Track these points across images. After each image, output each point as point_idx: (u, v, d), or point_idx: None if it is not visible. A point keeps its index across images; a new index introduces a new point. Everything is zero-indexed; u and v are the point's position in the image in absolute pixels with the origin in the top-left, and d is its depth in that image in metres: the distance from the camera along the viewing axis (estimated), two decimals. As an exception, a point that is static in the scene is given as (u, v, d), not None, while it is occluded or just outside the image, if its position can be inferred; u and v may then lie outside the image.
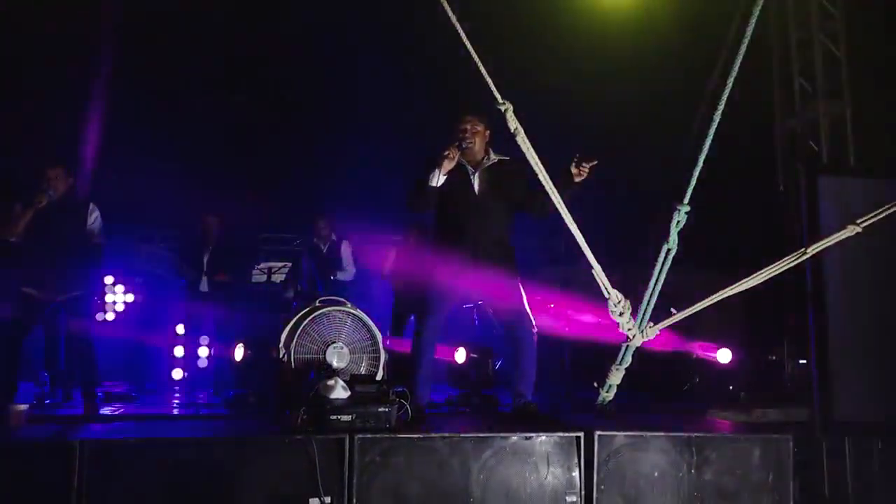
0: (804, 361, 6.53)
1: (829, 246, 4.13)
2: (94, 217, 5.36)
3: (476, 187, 4.60)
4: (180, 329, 7.62)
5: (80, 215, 5.31)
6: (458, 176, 4.57)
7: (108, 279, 8.44)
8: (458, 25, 3.49)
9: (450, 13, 3.51)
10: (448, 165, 4.45)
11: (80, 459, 3.42)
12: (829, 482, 6.04)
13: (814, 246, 4.01)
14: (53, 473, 3.41)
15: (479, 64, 3.67)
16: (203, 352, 7.56)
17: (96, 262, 5.49)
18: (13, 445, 3.63)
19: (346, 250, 7.68)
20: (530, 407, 4.49)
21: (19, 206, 5.16)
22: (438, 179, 4.47)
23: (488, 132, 4.67)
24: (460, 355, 6.70)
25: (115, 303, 8.50)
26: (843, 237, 3.87)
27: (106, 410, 5.44)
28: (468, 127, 4.58)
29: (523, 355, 4.59)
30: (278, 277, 7.71)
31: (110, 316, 8.44)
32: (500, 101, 3.78)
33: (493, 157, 4.66)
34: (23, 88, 7.59)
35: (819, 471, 6.00)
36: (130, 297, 8.56)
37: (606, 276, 4.03)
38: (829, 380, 6.01)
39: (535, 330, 4.62)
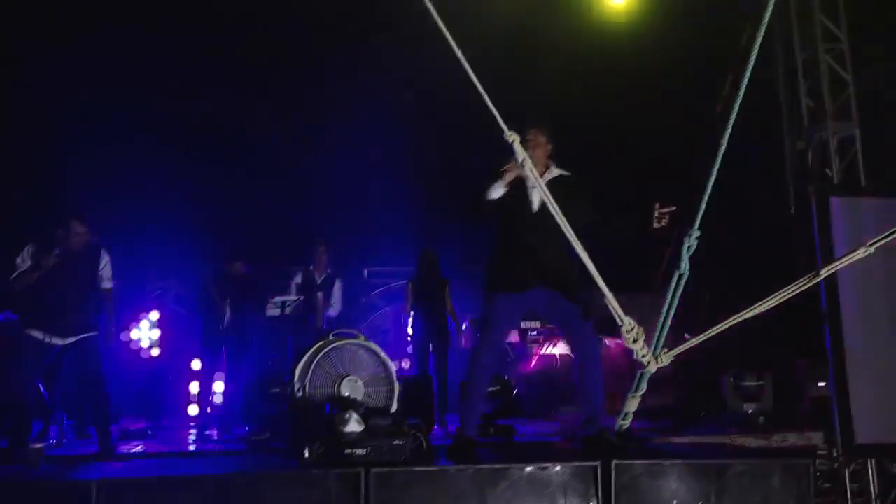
0: (823, 384, 6.46)
1: (844, 267, 4.10)
2: (105, 262, 5.39)
3: (535, 203, 4.46)
4: (196, 364, 7.56)
5: (92, 261, 5.34)
6: (517, 190, 4.47)
7: (154, 315, 8.61)
8: (464, 61, 3.50)
9: (456, 50, 3.52)
10: (509, 177, 4.35)
11: (96, 499, 3.41)
12: (853, 506, 5.95)
13: (826, 268, 3.97)
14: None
15: (485, 96, 3.66)
16: (218, 387, 7.52)
17: (107, 307, 5.49)
18: (31, 485, 3.65)
19: (338, 288, 7.72)
20: (603, 435, 4.32)
21: (29, 249, 5.16)
22: (498, 192, 4.39)
23: (550, 146, 4.57)
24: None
25: (150, 339, 8.62)
26: (855, 259, 3.82)
27: (122, 448, 5.44)
28: (530, 138, 4.37)
29: (587, 375, 4.47)
30: (291, 310, 7.70)
31: (155, 351, 8.59)
32: (508, 132, 3.74)
33: (555, 172, 4.56)
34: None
35: (842, 495, 5.91)
36: (156, 333, 8.61)
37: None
38: (849, 402, 5.94)
39: (602, 345, 4.45)
